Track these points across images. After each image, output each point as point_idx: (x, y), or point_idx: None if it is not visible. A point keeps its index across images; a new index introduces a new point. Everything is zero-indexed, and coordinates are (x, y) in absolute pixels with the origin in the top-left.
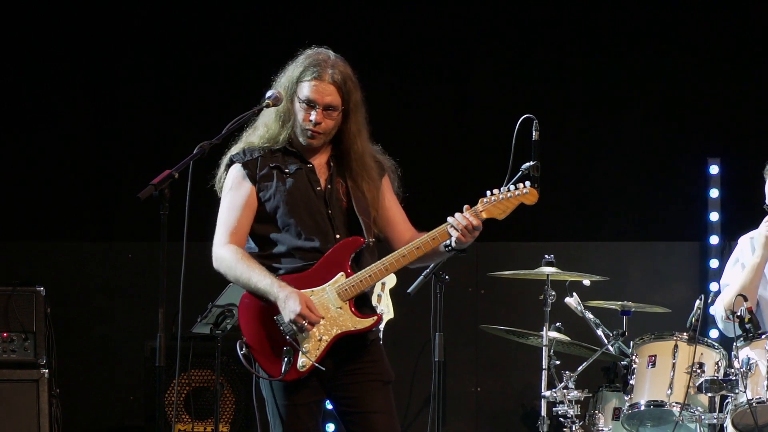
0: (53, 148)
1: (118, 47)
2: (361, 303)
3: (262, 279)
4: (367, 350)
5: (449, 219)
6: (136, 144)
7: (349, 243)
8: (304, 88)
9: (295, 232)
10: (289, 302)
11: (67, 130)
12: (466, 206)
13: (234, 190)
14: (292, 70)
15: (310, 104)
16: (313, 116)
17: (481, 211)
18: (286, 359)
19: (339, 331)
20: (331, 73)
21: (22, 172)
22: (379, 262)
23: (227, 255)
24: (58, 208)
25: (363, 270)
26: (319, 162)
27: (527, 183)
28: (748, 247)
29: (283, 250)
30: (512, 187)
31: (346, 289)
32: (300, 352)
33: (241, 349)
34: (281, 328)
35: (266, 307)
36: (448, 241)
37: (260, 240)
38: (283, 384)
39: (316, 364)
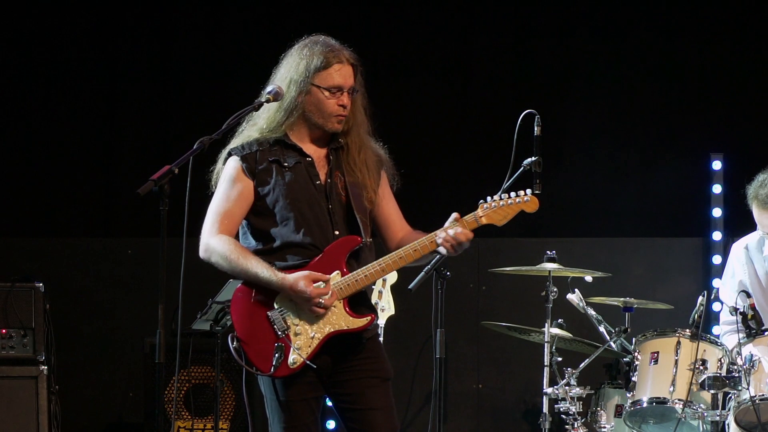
0: (52, 143)
1: (118, 42)
2: (357, 302)
3: (262, 270)
4: (363, 347)
5: (439, 235)
6: (135, 139)
7: (346, 242)
8: (329, 75)
9: (294, 226)
10: (297, 290)
11: (67, 125)
12: (456, 214)
13: (230, 182)
14: (303, 62)
15: (339, 89)
16: (343, 100)
17: (481, 217)
18: (276, 355)
19: (332, 330)
20: (345, 55)
21: (20, 168)
22: (375, 262)
23: (219, 245)
24: (57, 204)
25: (359, 270)
26: (318, 155)
27: (528, 191)
28: (742, 256)
29: (281, 245)
30: (513, 194)
31: (340, 288)
32: (291, 349)
33: (233, 343)
34: (273, 324)
35: (259, 302)
36: (440, 249)
37: (259, 235)
38: (281, 380)
39: (308, 362)
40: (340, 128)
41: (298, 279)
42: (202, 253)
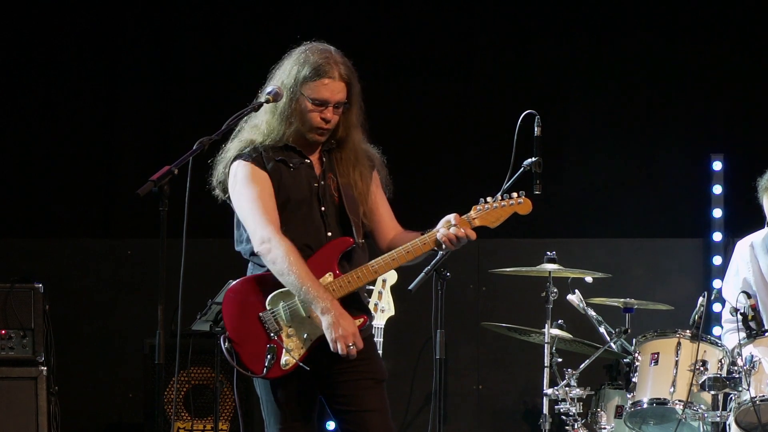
0: (52, 143)
1: (118, 42)
2: (349, 303)
3: (316, 285)
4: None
5: (441, 231)
6: (135, 139)
7: (337, 243)
8: (315, 87)
9: (293, 228)
10: (342, 322)
11: (66, 125)
12: (455, 214)
13: (252, 183)
14: (296, 68)
15: (323, 104)
16: (327, 115)
17: (474, 219)
18: (269, 356)
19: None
20: (340, 70)
21: (20, 168)
22: (368, 264)
23: (283, 243)
24: (57, 205)
25: (351, 271)
26: (315, 158)
27: (522, 193)
28: (747, 254)
29: None
30: (506, 196)
31: (333, 290)
32: (284, 350)
33: (225, 343)
34: (265, 325)
35: (251, 303)
36: (436, 248)
37: None
38: (276, 381)
39: (300, 363)
40: (322, 140)
41: (345, 315)
42: (258, 245)
